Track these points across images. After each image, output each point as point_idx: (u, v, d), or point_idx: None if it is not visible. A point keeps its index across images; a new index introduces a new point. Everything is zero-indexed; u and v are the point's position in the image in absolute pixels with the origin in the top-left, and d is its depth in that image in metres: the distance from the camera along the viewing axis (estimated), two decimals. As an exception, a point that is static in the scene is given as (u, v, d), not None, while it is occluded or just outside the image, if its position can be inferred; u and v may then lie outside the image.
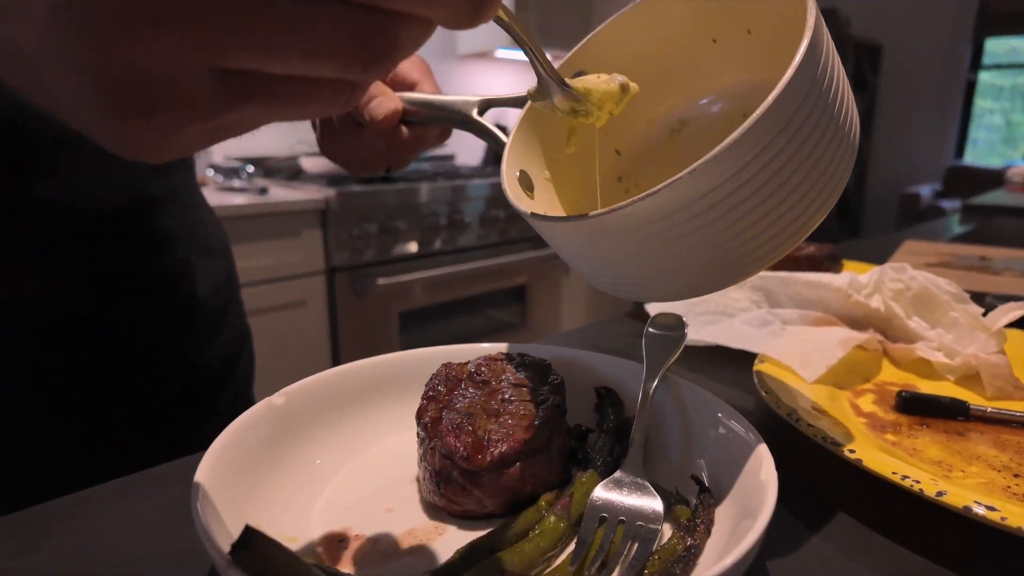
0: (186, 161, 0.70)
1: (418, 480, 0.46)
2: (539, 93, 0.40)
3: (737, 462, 0.42)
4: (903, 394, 0.57)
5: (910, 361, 0.67)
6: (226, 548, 0.29)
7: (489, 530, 0.39)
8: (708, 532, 0.39)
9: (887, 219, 4.32)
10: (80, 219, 0.57)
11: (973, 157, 4.44)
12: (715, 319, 0.76)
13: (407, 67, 0.58)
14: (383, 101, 0.52)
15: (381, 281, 2.19)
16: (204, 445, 0.40)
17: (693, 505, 0.40)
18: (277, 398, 0.47)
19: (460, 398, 0.46)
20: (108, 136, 0.21)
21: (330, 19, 0.20)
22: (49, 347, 0.58)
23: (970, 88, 4.38)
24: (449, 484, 0.41)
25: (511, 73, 3.41)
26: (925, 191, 4.12)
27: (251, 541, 0.30)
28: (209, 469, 0.37)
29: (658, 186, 0.32)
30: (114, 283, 0.61)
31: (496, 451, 0.41)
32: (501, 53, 3.08)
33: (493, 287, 2.57)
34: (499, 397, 0.46)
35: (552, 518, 0.40)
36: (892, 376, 0.66)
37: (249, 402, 0.76)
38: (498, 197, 2.47)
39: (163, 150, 0.22)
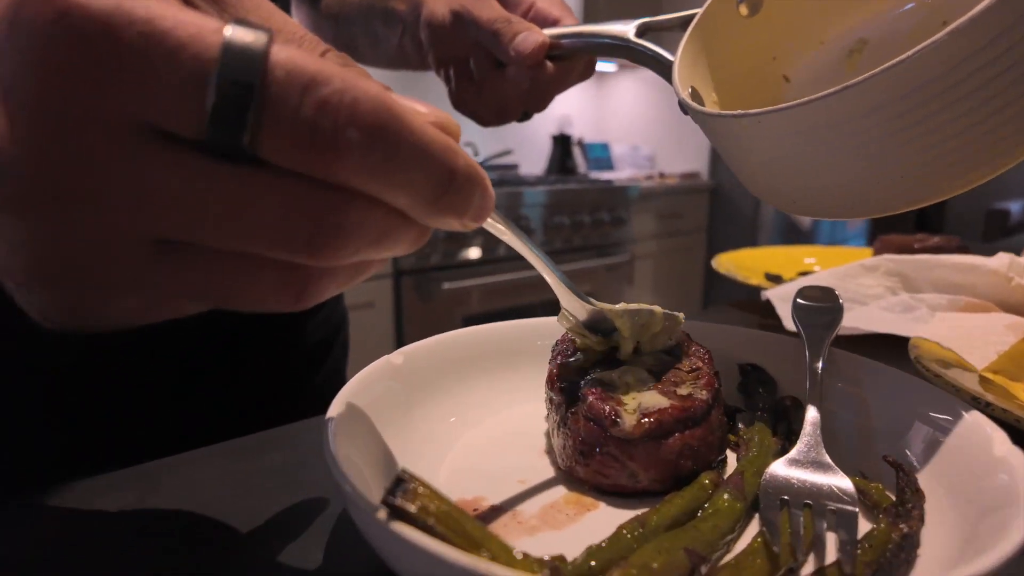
0: None
1: (553, 451, 0.40)
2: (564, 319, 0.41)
3: (947, 443, 0.35)
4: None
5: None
6: (369, 494, 0.24)
7: (646, 509, 0.34)
8: (922, 519, 0.32)
9: (970, 238, 4.08)
10: None
11: (1064, 173, 4.14)
12: (847, 307, 0.68)
13: (546, 5, 0.54)
14: (529, 35, 0.48)
15: (446, 285, 2.17)
16: (299, 419, 0.36)
17: (899, 488, 0.34)
18: (396, 357, 0.43)
19: (596, 365, 0.40)
20: (37, 303, 0.20)
21: (272, 192, 0.19)
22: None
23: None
24: (598, 454, 0.36)
25: (575, 83, 3.39)
26: (1015, 207, 3.87)
27: (406, 483, 0.25)
28: (336, 417, 0.33)
29: (905, 54, 0.27)
30: None
31: (654, 417, 0.35)
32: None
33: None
34: (641, 364, 0.40)
35: (726, 496, 0.33)
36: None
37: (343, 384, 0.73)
38: (562, 204, 2.42)
39: (98, 319, 0.21)
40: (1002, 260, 0.63)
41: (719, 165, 3.06)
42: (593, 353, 0.42)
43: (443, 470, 0.39)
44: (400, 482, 0.25)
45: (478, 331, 0.49)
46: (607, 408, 0.36)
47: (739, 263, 0.96)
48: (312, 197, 0.19)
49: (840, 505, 0.33)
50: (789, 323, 0.67)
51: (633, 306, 0.41)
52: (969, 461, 0.33)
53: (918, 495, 0.33)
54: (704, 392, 0.38)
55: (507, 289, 2.34)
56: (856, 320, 0.63)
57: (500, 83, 0.54)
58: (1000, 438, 0.32)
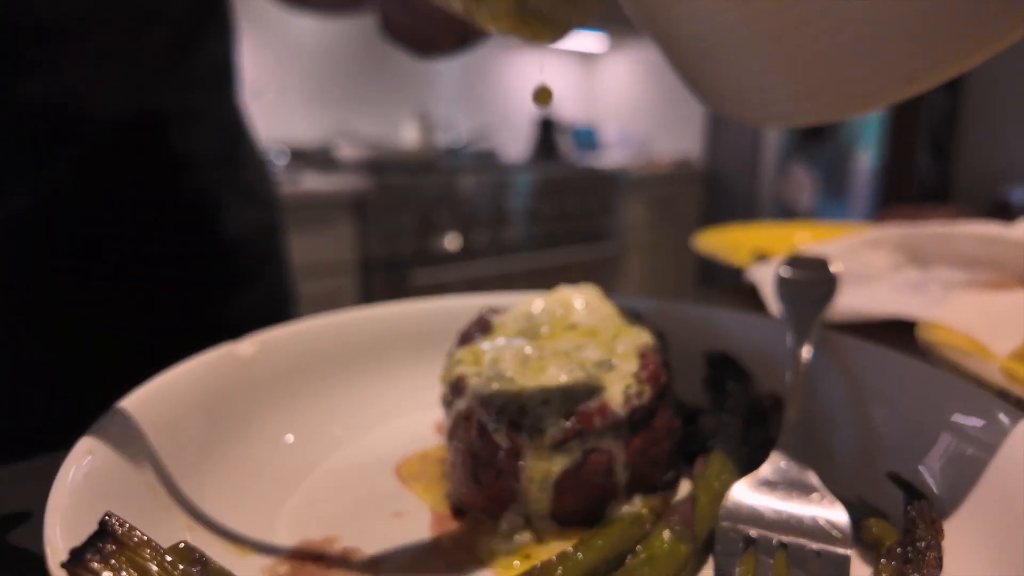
0: (219, 79, 0.59)
1: (444, 469, 0.30)
2: None
3: (974, 456, 0.25)
4: None
5: None
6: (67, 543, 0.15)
7: (564, 548, 0.24)
8: (939, 564, 0.22)
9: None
10: (75, 126, 0.47)
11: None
12: (846, 288, 0.58)
13: None
14: None
15: (419, 279, 2.06)
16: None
17: (907, 518, 0.24)
18: (245, 347, 0.33)
19: (505, 351, 0.30)
20: None
21: None
22: (37, 274, 0.48)
23: (1067, 82, 4.00)
24: (490, 469, 0.26)
25: (564, 61, 3.27)
26: (1019, 195, 3.77)
27: (106, 536, 0.15)
28: (112, 431, 0.23)
29: None
30: (117, 205, 0.51)
31: (567, 424, 0.25)
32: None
33: (540, 287, 2.41)
34: (562, 348, 0.30)
35: (666, 534, 0.23)
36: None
37: None
38: (547, 191, 2.31)
39: None
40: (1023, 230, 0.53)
41: (713, 151, 2.95)
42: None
43: (293, 498, 0.29)
44: (98, 536, 0.15)
45: (364, 315, 0.39)
46: (497, 411, 0.26)
47: (726, 242, 0.86)
48: None
49: (827, 546, 0.23)
50: (774, 306, 0.57)
51: None
52: (1004, 481, 0.24)
53: (934, 529, 0.23)
54: (645, 388, 0.28)
55: (484, 281, 2.24)
56: (856, 303, 0.53)
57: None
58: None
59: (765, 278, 0.61)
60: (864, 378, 0.32)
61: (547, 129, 2.73)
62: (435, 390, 0.34)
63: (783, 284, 0.40)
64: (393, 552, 0.25)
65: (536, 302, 0.35)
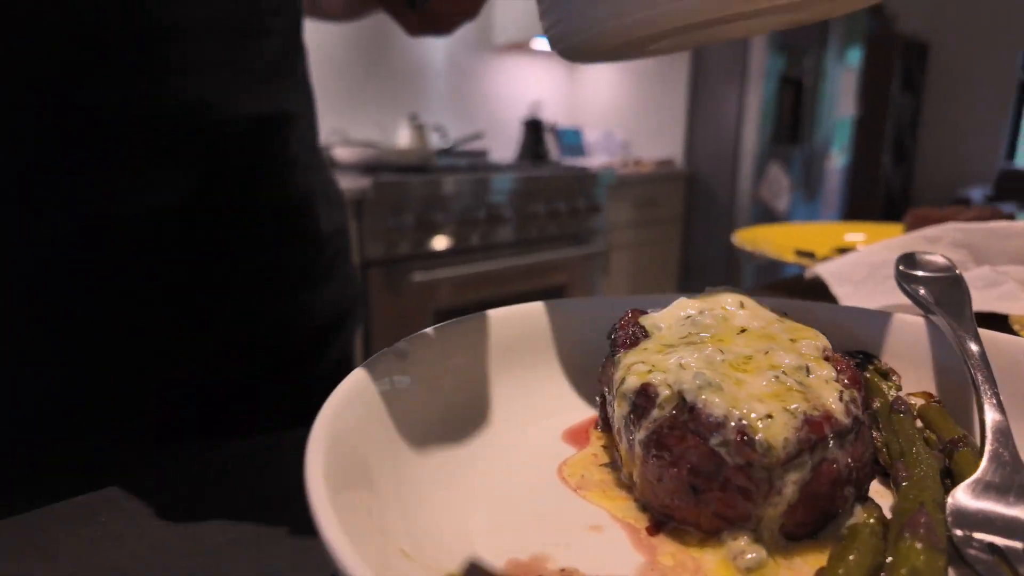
0: (307, 85, 0.62)
1: (632, 481, 0.28)
2: None
3: None
4: None
5: None
6: None
7: (805, 565, 0.22)
8: None
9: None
10: (219, 125, 0.50)
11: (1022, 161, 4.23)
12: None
13: None
14: None
15: (417, 277, 2.03)
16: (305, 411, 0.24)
17: None
18: (403, 345, 0.31)
19: (693, 357, 0.28)
20: None
21: None
22: (172, 262, 0.50)
23: (1021, 89, 4.18)
24: (712, 484, 0.24)
25: (549, 65, 3.26)
26: (976, 194, 3.92)
27: None
28: (322, 457, 0.21)
29: None
30: (247, 201, 0.54)
31: (800, 435, 0.24)
32: (538, 44, 2.93)
33: (532, 285, 2.40)
34: (746, 353, 0.29)
35: (918, 545, 0.22)
36: None
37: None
38: (535, 191, 2.31)
39: None
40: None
41: (694, 152, 2.99)
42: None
43: (477, 513, 0.27)
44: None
45: (518, 312, 0.37)
46: (729, 417, 0.24)
47: (761, 240, 0.86)
48: None
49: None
50: (850, 303, 0.56)
51: None
52: None
53: None
54: (855, 393, 0.27)
55: (480, 280, 2.22)
56: None
57: None
58: None
59: (833, 274, 0.61)
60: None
61: (535, 131, 2.72)
62: (559, 393, 0.32)
63: (910, 280, 0.39)
64: (613, 571, 0.24)
65: (687, 304, 0.33)
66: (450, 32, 0.65)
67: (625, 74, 3.18)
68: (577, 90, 3.39)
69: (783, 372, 0.27)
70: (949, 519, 0.24)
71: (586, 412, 0.36)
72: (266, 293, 0.56)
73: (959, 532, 0.24)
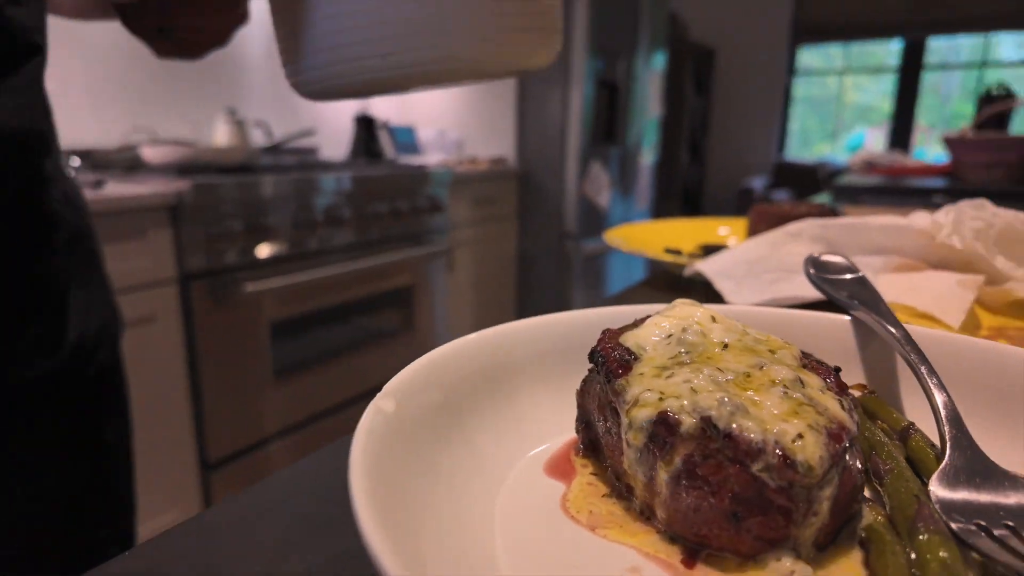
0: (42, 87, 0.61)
1: (652, 512, 0.28)
2: None
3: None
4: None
5: (1005, 303, 0.60)
6: None
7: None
8: None
9: (728, 212, 4.69)
10: None
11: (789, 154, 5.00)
12: (783, 276, 0.65)
13: None
14: None
15: (248, 287, 1.86)
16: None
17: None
18: (384, 402, 0.27)
19: (701, 381, 0.28)
20: None
21: None
22: None
23: (787, 92, 4.91)
24: (754, 510, 0.24)
25: None
26: (758, 184, 4.52)
27: None
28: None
29: None
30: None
31: (829, 452, 0.25)
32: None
33: (376, 288, 2.32)
34: (741, 371, 0.29)
35: (935, 539, 0.24)
36: (990, 321, 0.58)
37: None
38: (376, 191, 2.23)
39: None
40: (923, 220, 0.63)
41: (525, 151, 3.09)
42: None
43: (500, 561, 0.25)
44: None
45: (492, 336, 0.35)
46: (767, 441, 0.24)
47: (633, 238, 0.90)
48: None
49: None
50: (736, 299, 0.61)
51: None
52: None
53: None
54: (846, 399, 0.28)
55: (320, 287, 2.10)
56: (796, 289, 0.59)
57: None
58: None
59: (718, 272, 0.66)
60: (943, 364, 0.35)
61: (368, 128, 2.62)
62: (534, 418, 0.31)
63: (826, 283, 0.43)
64: (676, 617, 0.23)
65: (661, 321, 0.33)
66: (200, 58, 0.68)
67: (452, 72, 3.19)
68: (405, 87, 3.33)
69: (786, 388, 0.28)
70: (938, 509, 0.27)
71: (559, 438, 0.35)
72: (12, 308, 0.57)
73: (955, 524, 0.26)
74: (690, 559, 0.26)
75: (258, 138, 2.42)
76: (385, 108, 3.09)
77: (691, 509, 0.25)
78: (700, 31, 4.56)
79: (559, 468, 0.33)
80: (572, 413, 0.35)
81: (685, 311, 0.34)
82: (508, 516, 0.28)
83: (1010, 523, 0.26)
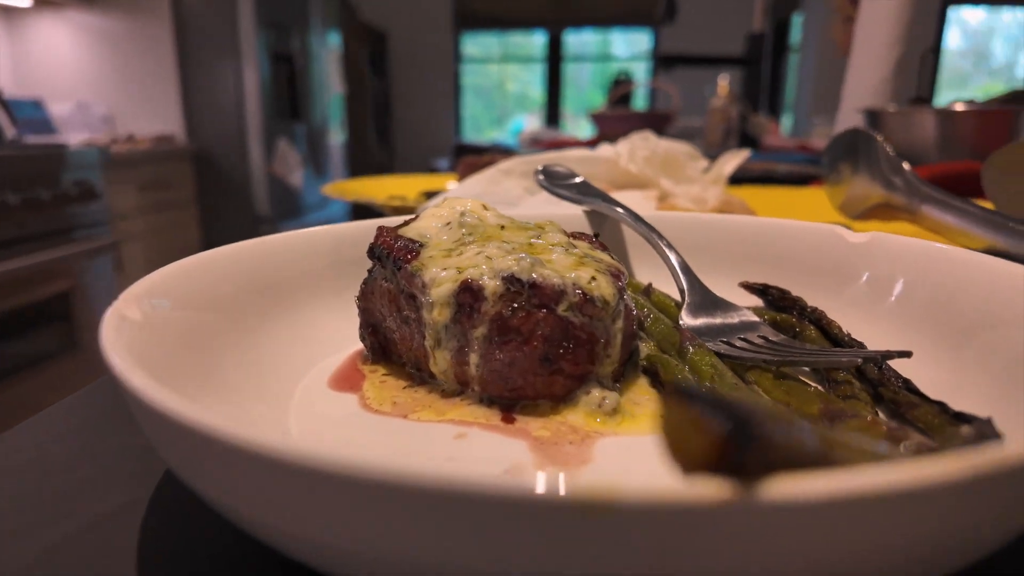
0: None
1: (460, 385, 0.27)
2: None
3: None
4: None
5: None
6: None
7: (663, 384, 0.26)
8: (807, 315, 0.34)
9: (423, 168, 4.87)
10: None
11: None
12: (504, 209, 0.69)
13: None
14: None
15: None
16: None
17: (777, 305, 0.35)
18: (127, 307, 0.21)
19: (496, 251, 0.28)
20: None
21: None
22: None
23: (456, 79, 5.25)
24: (565, 351, 0.26)
25: None
26: (442, 165, 4.77)
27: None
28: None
29: None
30: None
31: (616, 290, 0.27)
32: None
33: (27, 299, 1.85)
34: (524, 242, 0.31)
35: (702, 355, 0.28)
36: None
37: None
38: (1, 178, 1.78)
39: None
40: (608, 151, 0.74)
41: (199, 128, 2.75)
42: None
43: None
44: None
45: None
46: (567, 284, 0.26)
47: (349, 191, 0.87)
48: None
49: (767, 334, 0.32)
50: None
51: None
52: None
53: (799, 299, 0.35)
54: (608, 253, 0.31)
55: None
56: (537, 206, 0.64)
57: None
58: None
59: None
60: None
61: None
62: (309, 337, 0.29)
63: (553, 186, 0.47)
64: (513, 461, 0.23)
65: (437, 212, 0.33)
66: None
67: (93, 34, 2.67)
68: (25, 55, 2.69)
69: (565, 249, 0.29)
70: (692, 333, 0.31)
71: (336, 356, 0.32)
72: None
73: (708, 342, 0.31)
74: (508, 414, 0.26)
75: None
76: (-3, 76, 2.46)
77: (505, 364, 0.26)
78: (371, 12, 4.59)
79: (346, 381, 0.30)
80: (347, 330, 0.33)
81: (456, 203, 0.34)
82: (307, 429, 0.25)
83: (742, 336, 0.32)
